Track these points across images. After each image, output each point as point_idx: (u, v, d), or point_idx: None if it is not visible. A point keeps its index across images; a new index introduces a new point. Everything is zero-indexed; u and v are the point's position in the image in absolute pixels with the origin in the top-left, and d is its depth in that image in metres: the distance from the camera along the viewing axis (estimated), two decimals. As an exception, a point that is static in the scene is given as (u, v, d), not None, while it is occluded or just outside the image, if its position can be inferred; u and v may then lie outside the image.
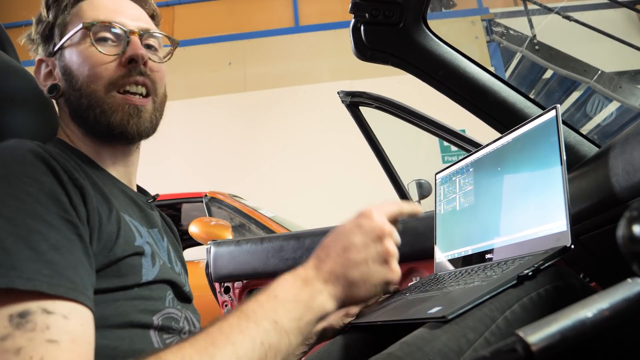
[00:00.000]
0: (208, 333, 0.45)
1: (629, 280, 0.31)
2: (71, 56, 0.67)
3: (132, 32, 0.68)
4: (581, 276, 0.88)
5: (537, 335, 0.29)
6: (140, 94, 0.68)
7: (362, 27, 1.03)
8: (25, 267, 0.43)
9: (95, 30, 0.66)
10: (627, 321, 0.58)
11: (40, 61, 0.71)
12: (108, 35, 0.67)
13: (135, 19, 0.70)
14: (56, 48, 0.69)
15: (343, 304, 0.54)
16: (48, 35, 0.70)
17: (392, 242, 0.55)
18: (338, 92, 1.45)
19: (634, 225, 0.30)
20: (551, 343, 0.29)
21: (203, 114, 5.22)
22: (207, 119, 5.17)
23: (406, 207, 0.60)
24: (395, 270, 0.54)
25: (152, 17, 0.77)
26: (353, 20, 1.04)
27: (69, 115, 0.69)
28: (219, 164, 5.03)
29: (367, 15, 1.00)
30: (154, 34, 0.72)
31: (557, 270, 0.62)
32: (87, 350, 0.44)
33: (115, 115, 0.65)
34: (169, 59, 0.76)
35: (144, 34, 0.70)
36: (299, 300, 0.51)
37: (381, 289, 0.55)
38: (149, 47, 0.72)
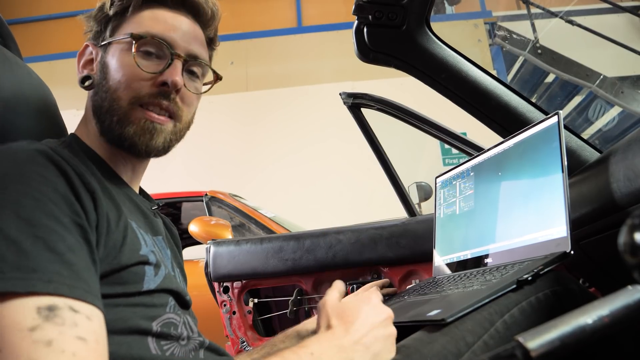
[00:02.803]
0: None
1: (630, 287, 0.31)
2: (113, 57, 0.67)
3: (177, 56, 0.66)
4: (580, 281, 0.88)
5: (536, 340, 0.29)
6: (164, 113, 0.67)
7: (365, 29, 1.03)
8: (45, 269, 0.43)
9: (142, 43, 0.65)
10: (626, 328, 0.58)
11: (87, 46, 0.71)
12: (153, 50, 0.66)
13: (189, 41, 0.69)
14: (104, 42, 0.68)
15: None
16: (103, 26, 0.70)
17: None
18: (340, 94, 1.44)
19: (636, 232, 0.30)
20: (550, 349, 0.29)
21: (205, 112, 5.19)
22: (209, 118, 5.16)
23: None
24: None
25: (210, 41, 0.76)
26: (356, 21, 1.04)
27: (91, 109, 0.69)
28: (220, 163, 5.03)
29: (370, 17, 1.00)
30: (200, 62, 0.71)
31: (557, 275, 0.62)
32: (107, 352, 0.45)
33: (130, 127, 0.64)
34: (207, 91, 0.75)
35: (189, 59, 0.68)
36: None
37: None
38: (191, 73, 0.71)
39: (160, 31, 0.66)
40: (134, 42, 0.65)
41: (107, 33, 0.69)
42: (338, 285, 0.68)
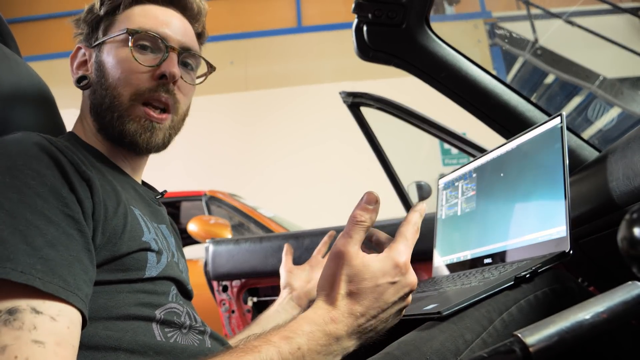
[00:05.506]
0: None
1: (629, 283, 0.31)
2: (109, 55, 0.67)
3: (172, 48, 0.68)
4: (579, 280, 0.88)
5: (535, 336, 0.29)
6: (161, 109, 0.68)
7: (364, 28, 1.03)
8: (20, 260, 0.43)
9: (137, 38, 0.67)
10: (624, 324, 0.58)
11: (79, 48, 0.71)
12: (148, 45, 0.67)
13: (181, 34, 0.70)
14: (97, 42, 0.69)
15: None
16: (94, 27, 0.70)
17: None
18: (340, 93, 1.44)
19: (635, 227, 0.30)
20: (549, 344, 0.29)
21: (204, 112, 5.20)
22: (208, 117, 5.16)
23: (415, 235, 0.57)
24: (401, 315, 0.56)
25: (199, 35, 0.77)
26: (356, 20, 1.04)
27: (89, 108, 0.69)
28: (219, 163, 5.03)
29: (370, 15, 1.00)
30: (194, 54, 0.73)
31: (555, 274, 0.62)
32: (71, 353, 0.44)
33: (130, 124, 0.66)
34: (202, 82, 0.77)
35: (183, 52, 0.70)
36: (320, 357, 0.49)
37: None
38: (185, 65, 0.72)
39: (154, 26, 0.68)
40: (130, 37, 0.66)
41: (100, 33, 0.70)
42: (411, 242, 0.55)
